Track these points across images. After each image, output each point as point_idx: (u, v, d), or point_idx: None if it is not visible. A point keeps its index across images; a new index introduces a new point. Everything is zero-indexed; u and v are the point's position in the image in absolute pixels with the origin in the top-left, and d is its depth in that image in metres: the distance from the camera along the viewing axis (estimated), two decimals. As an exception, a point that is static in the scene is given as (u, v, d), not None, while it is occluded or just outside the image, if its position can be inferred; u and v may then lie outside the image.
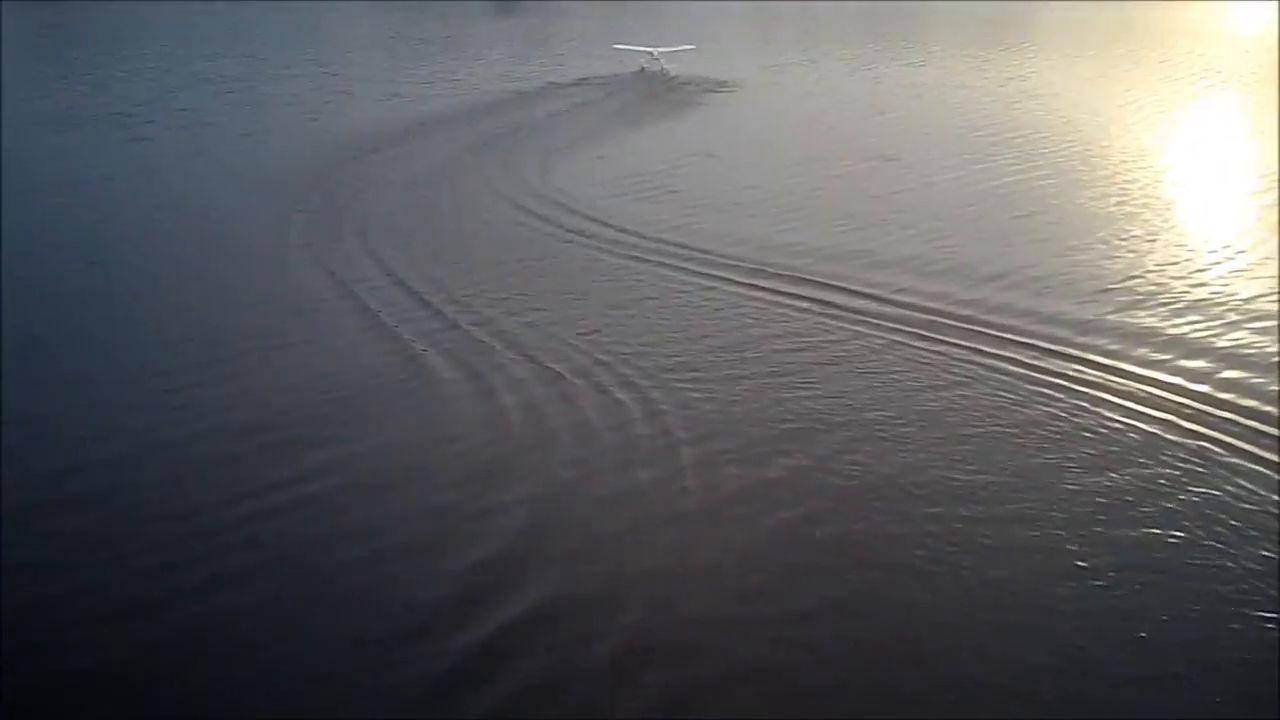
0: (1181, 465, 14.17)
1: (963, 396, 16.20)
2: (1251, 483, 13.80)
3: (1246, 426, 15.21)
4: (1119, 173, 31.65)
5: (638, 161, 33.07)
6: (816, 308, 19.92)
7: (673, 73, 51.79)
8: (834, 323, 19.18)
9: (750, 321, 19.38)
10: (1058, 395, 16.21)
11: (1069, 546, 12.47)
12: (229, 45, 57.93)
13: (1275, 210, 27.29)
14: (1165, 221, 26.54)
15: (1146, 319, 19.42)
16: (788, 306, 20.05)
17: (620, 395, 16.17)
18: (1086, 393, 16.28)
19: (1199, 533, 12.74)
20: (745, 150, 35.43)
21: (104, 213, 26.84)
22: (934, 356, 17.64)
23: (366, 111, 40.31)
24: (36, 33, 64.62)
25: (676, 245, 23.79)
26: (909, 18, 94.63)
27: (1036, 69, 56.54)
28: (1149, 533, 12.73)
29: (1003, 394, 16.26)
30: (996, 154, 34.25)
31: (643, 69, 52.85)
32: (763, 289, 20.97)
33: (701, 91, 47.19)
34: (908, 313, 19.58)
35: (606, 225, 25.41)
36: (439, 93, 44.77)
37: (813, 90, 48.84)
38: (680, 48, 54.68)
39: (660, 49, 53.62)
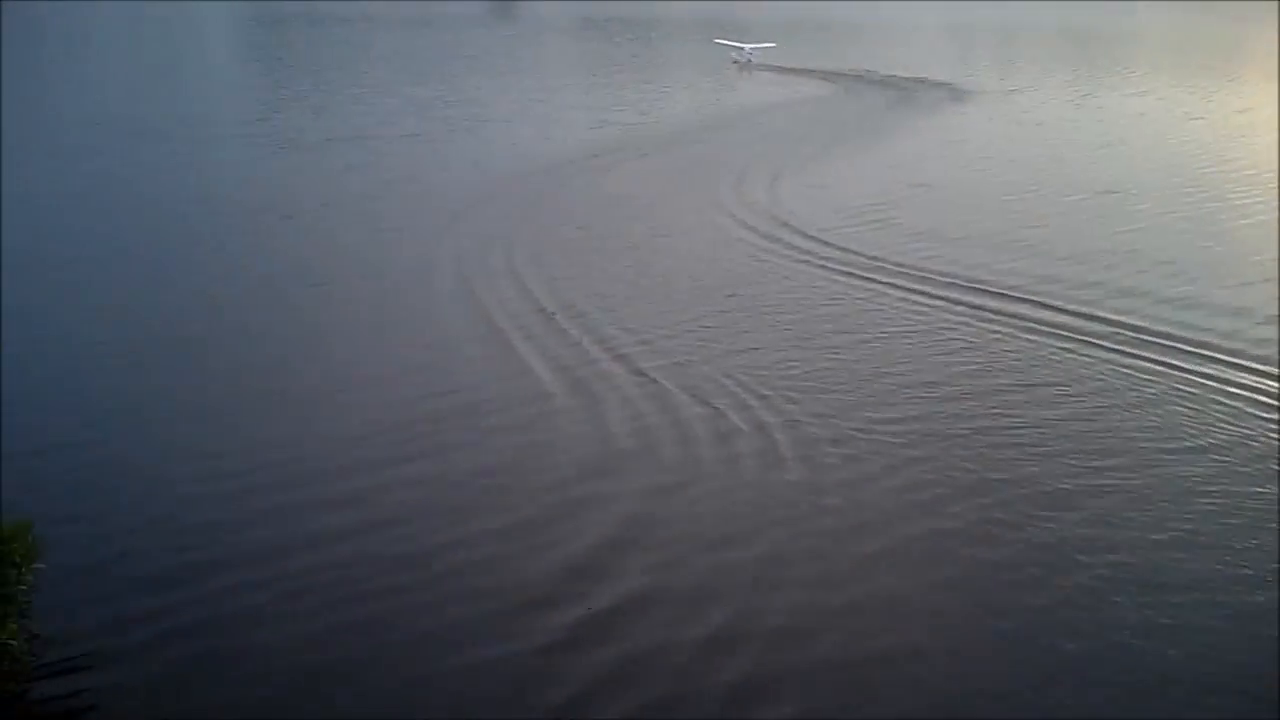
0: None
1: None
2: None
3: None
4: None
5: (860, 190, 32.20)
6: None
7: (755, 62, 59.93)
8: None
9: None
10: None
11: None
12: (435, 70, 58.97)
13: None
14: None
15: None
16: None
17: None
18: None
19: None
20: (980, 181, 34.30)
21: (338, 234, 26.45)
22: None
23: (581, 135, 40.30)
24: (257, 54, 67.58)
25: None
26: (1109, 40, 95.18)
27: (1266, 100, 54.23)
28: None
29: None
30: (1234, 191, 32.67)
31: (734, 61, 61.26)
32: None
33: (919, 115, 46.79)
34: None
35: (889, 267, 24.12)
36: (645, 119, 44.79)
37: (1034, 118, 47.69)
38: (765, 45, 63.97)
39: (750, 46, 63.01)
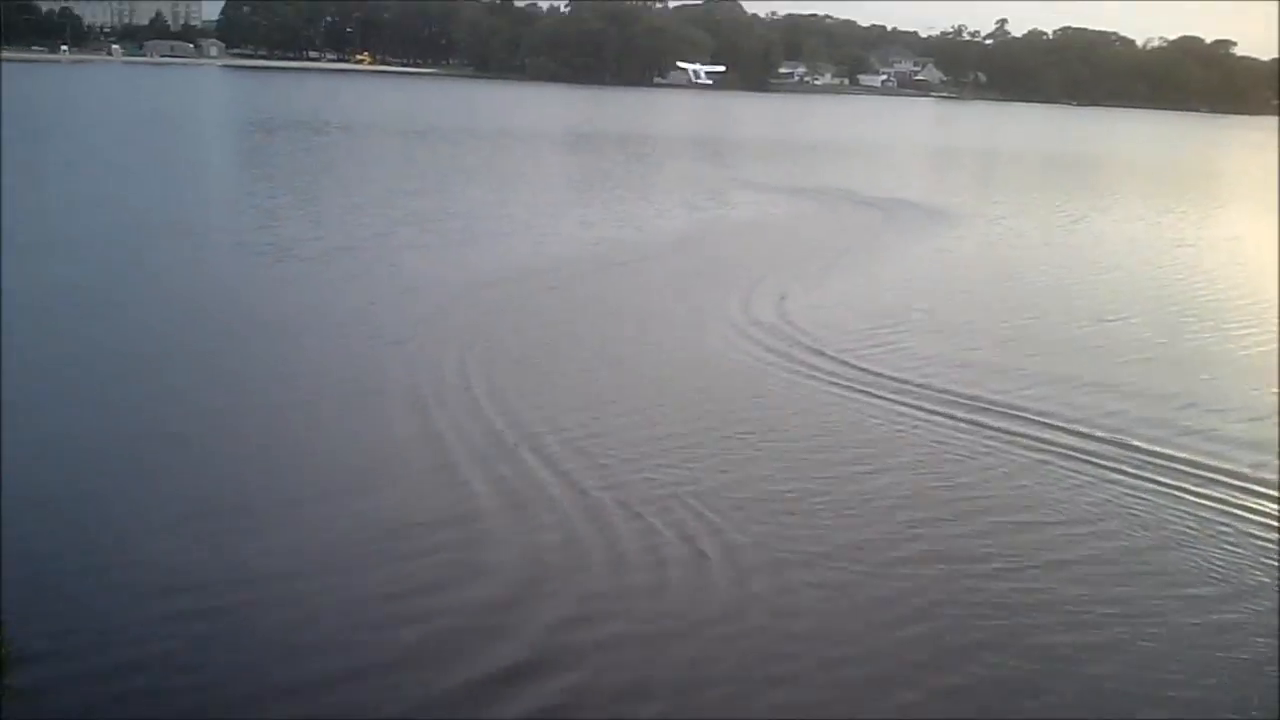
0: None
1: None
2: None
3: None
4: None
5: (861, 308, 31.62)
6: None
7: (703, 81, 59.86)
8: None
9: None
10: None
11: None
12: (431, 180, 58.95)
13: None
14: None
15: None
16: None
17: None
18: None
19: None
20: (981, 305, 33.75)
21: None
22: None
23: (578, 248, 39.62)
24: (258, 160, 66.68)
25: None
26: (1091, 164, 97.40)
27: (1250, 226, 55.37)
28: None
29: None
30: (1232, 321, 32.52)
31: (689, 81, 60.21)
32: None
33: (910, 237, 46.40)
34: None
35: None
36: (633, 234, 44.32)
37: (1028, 242, 47.90)
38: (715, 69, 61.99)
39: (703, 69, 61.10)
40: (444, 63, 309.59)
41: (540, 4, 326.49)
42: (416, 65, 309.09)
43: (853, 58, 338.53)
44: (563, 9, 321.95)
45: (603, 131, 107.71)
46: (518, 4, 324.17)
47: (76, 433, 18.86)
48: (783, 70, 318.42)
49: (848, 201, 56.97)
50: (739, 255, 39.32)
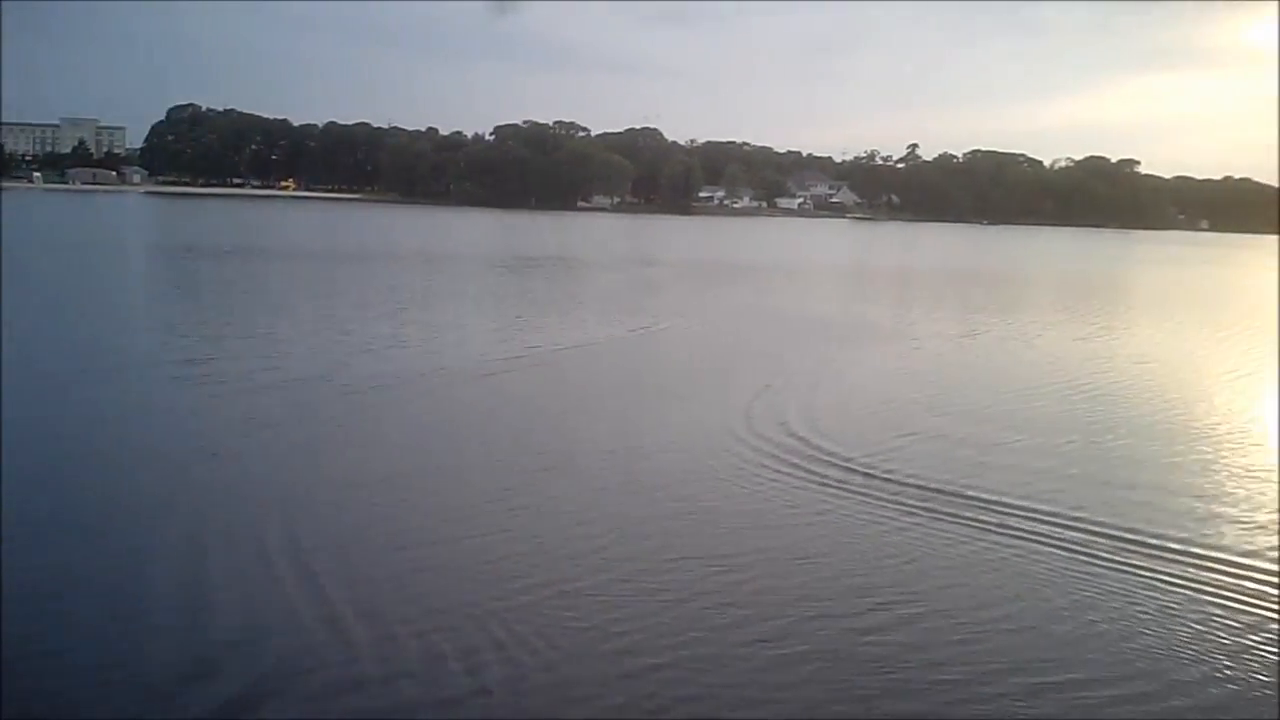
0: None
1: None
2: None
3: None
4: None
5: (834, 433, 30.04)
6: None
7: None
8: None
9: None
10: None
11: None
12: (362, 310, 58.66)
13: None
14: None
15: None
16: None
17: None
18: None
19: None
20: (969, 426, 32.03)
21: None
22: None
23: (529, 366, 38.55)
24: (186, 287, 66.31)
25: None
26: (1035, 282, 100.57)
27: (1208, 345, 55.41)
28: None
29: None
30: (1225, 443, 30.51)
31: None
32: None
33: (868, 355, 45.59)
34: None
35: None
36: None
37: (995, 363, 46.94)
38: None
39: None
40: (369, 189, 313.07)
41: (465, 131, 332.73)
42: (342, 191, 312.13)
43: (770, 181, 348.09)
44: (487, 136, 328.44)
45: (527, 253, 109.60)
46: (443, 131, 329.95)
47: None
48: (703, 194, 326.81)
49: (768, 318, 58.56)
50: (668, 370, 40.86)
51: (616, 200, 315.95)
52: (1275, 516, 21.97)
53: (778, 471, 24.55)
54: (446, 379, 35.63)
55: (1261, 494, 24.01)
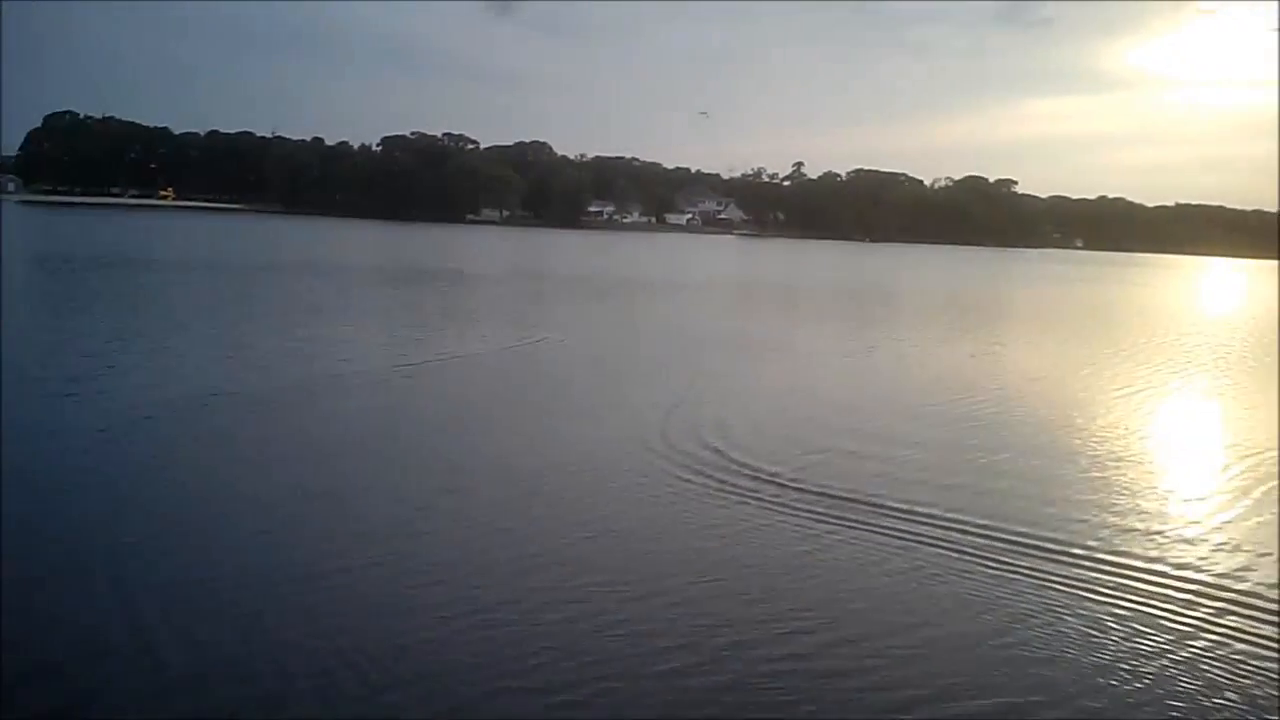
0: None
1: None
2: None
3: None
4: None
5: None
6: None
7: None
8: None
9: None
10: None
11: None
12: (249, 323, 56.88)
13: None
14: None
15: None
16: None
17: None
18: None
19: None
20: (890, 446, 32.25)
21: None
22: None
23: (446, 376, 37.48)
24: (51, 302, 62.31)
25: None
26: (879, 297, 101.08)
27: (1095, 360, 55.65)
28: None
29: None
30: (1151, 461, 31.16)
31: None
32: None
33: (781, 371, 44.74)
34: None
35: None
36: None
37: (900, 381, 47.82)
38: None
39: None
40: (253, 199, 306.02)
41: (351, 141, 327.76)
42: (224, 201, 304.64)
43: (659, 197, 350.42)
44: (374, 147, 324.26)
45: (415, 266, 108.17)
46: (328, 141, 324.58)
47: None
48: (592, 209, 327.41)
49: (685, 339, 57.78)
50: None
51: (506, 214, 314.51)
52: (1199, 530, 22.35)
53: (687, 484, 24.05)
54: (337, 389, 34.56)
55: (1182, 507, 24.44)
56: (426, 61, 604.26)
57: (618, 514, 21.98)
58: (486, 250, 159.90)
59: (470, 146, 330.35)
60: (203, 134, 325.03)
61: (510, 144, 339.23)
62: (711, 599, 17.25)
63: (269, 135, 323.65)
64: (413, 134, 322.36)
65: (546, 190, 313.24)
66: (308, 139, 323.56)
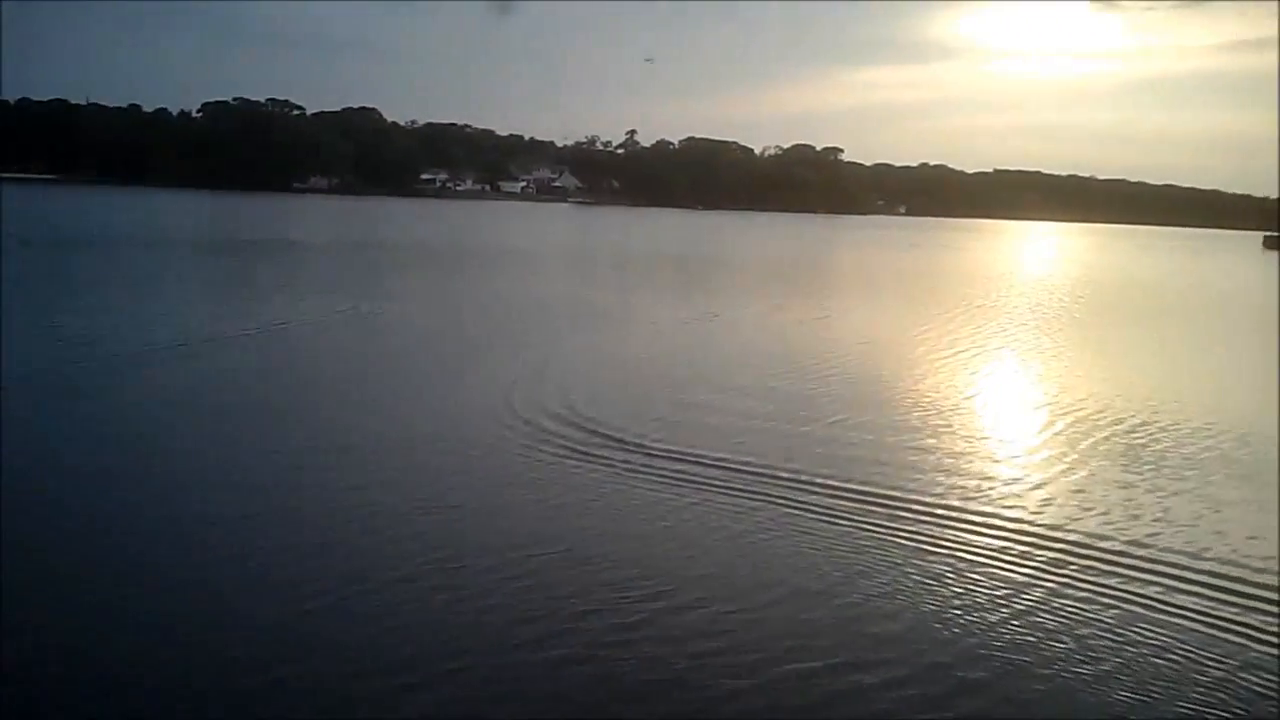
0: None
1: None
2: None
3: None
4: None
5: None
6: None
7: None
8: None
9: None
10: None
11: None
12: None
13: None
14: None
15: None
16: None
17: None
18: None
19: None
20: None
21: None
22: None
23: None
24: None
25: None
26: (714, 265, 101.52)
27: (925, 323, 58.24)
28: None
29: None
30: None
31: None
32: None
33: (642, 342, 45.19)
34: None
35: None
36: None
37: (757, 347, 48.07)
38: None
39: None
40: (67, 170, 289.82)
41: (170, 109, 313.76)
42: (31, 172, 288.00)
43: (493, 165, 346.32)
44: (194, 114, 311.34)
45: (239, 236, 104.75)
46: (146, 109, 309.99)
47: None
48: (425, 176, 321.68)
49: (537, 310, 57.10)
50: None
51: (335, 181, 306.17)
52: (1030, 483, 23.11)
53: (543, 453, 23.85)
54: (160, 362, 33.26)
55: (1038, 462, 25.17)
56: (247, 29, 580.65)
57: (459, 488, 21.50)
58: (312, 218, 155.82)
59: (296, 113, 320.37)
60: (12, 102, 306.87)
61: (338, 110, 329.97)
62: (558, 569, 16.99)
63: (83, 103, 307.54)
64: (235, 100, 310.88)
65: (376, 157, 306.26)
66: (124, 105, 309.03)
